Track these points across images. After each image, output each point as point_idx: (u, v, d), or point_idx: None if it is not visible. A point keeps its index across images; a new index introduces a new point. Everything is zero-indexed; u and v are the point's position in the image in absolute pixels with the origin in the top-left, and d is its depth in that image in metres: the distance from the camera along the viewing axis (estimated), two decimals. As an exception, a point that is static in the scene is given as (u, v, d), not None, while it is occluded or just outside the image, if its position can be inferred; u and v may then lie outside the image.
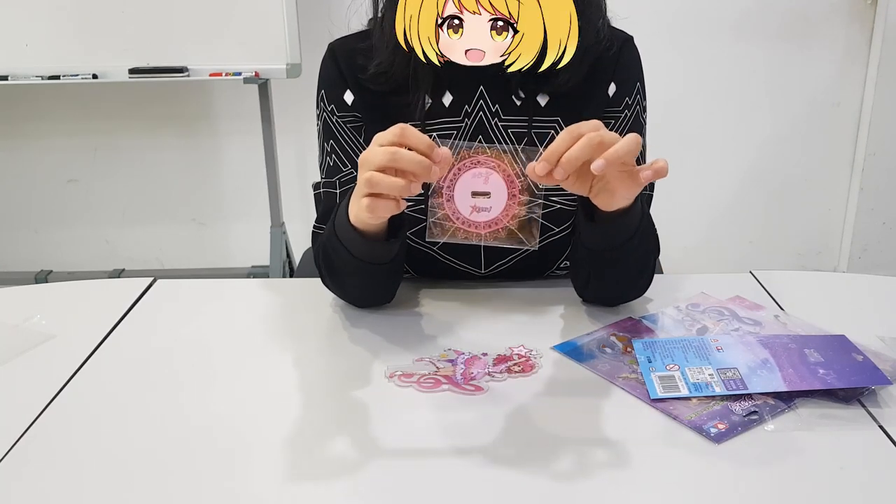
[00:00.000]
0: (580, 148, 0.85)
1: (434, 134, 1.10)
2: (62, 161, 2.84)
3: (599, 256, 1.04)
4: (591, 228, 1.01)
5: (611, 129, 1.13)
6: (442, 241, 0.98)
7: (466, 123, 1.11)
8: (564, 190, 0.94)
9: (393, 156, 0.85)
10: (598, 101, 1.14)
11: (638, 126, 1.15)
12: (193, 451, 0.81)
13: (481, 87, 1.11)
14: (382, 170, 0.85)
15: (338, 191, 1.12)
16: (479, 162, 0.88)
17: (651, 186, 1.14)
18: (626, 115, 1.14)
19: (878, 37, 2.67)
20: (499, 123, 1.11)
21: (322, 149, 1.15)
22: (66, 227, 2.93)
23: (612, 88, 1.14)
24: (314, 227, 1.13)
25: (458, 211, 0.89)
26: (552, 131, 1.11)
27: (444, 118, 1.11)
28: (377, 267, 1.02)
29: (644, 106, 1.17)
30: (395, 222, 0.99)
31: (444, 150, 0.86)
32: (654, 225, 1.13)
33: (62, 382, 0.93)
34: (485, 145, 0.89)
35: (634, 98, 1.15)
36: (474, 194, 0.89)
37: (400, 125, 0.86)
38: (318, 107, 1.16)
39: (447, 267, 1.17)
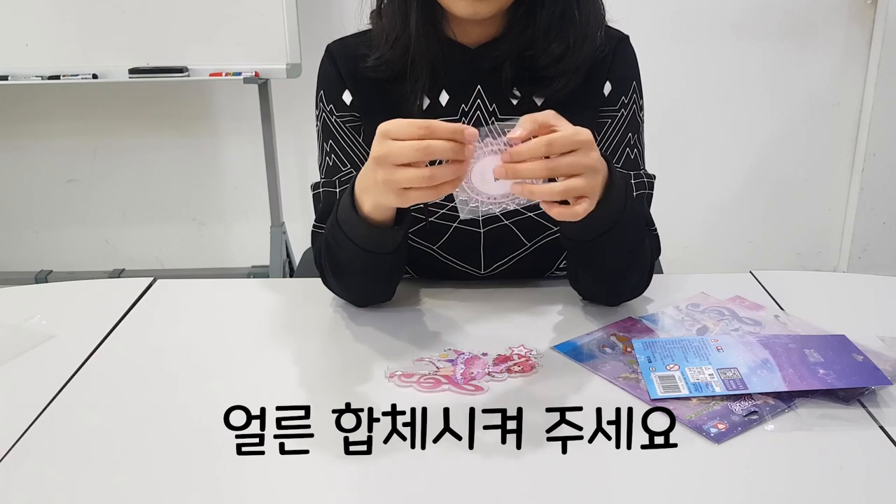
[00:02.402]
0: (530, 151, 0.83)
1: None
2: (62, 161, 2.84)
3: (579, 248, 1.03)
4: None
5: (607, 129, 1.14)
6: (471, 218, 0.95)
7: (463, 122, 1.11)
8: None
9: (425, 151, 0.82)
10: (593, 101, 1.13)
11: (634, 125, 1.15)
12: (193, 451, 0.81)
13: (479, 86, 1.11)
14: (410, 164, 0.83)
15: (337, 190, 1.12)
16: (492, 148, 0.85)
17: (651, 186, 1.14)
18: (623, 114, 1.14)
19: (878, 37, 2.67)
20: (496, 123, 1.11)
21: (321, 149, 1.16)
22: (66, 227, 2.93)
23: (607, 87, 1.14)
24: (314, 226, 1.13)
25: (474, 185, 0.86)
26: None
27: (442, 118, 1.11)
28: (382, 257, 1.01)
29: (641, 105, 1.17)
30: (399, 211, 0.98)
31: (471, 129, 0.83)
32: (652, 223, 1.13)
33: (62, 382, 0.93)
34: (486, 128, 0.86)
35: (630, 97, 1.15)
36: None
37: (422, 122, 0.83)
38: (317, 107, 1.17)
39: (447, 267, 1.17)
